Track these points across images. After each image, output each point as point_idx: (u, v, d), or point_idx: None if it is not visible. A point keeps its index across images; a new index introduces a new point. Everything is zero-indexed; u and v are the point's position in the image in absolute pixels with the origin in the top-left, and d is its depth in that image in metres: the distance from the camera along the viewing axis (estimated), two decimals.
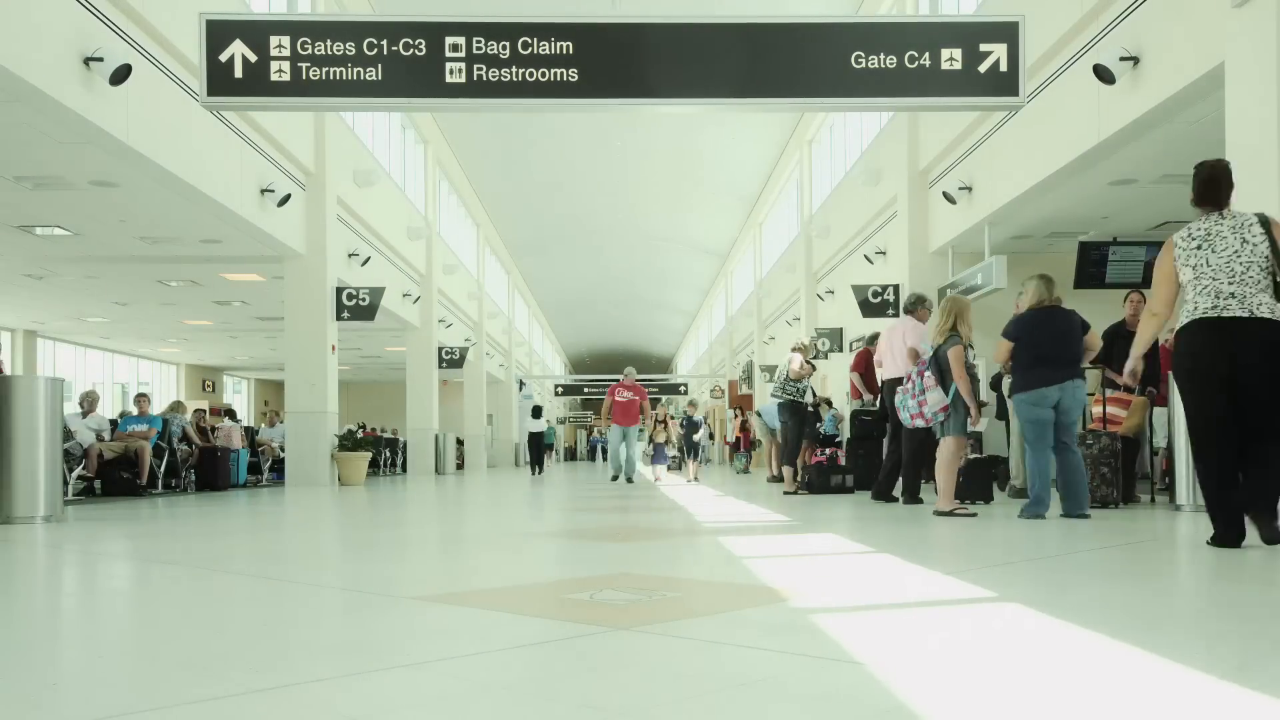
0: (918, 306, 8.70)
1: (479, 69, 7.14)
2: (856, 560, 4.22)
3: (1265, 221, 4.48)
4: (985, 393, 10.59)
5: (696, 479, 15.03)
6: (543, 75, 7.15)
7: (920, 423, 6.98)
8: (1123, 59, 8.04)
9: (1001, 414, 9.72)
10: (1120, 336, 7.47)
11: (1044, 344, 6.26)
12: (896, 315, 12.58)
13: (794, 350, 10.52)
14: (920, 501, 8.14)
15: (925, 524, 6.15)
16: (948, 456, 6.69)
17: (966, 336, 6.78)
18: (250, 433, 15.93)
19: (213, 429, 14.18)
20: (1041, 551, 4.44)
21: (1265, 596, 3.19)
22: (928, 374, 6.84)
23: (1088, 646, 2.24)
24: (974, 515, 6.50)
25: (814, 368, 11.20)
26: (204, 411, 14.65)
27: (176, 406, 13.21)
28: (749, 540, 5.24)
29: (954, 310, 6.84)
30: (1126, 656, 2.12)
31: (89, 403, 11.54)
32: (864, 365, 11.28)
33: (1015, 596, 3.03)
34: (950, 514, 6.49)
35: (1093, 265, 11.33)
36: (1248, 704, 1.74)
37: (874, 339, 11.93)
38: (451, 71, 7.14)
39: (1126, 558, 4.27)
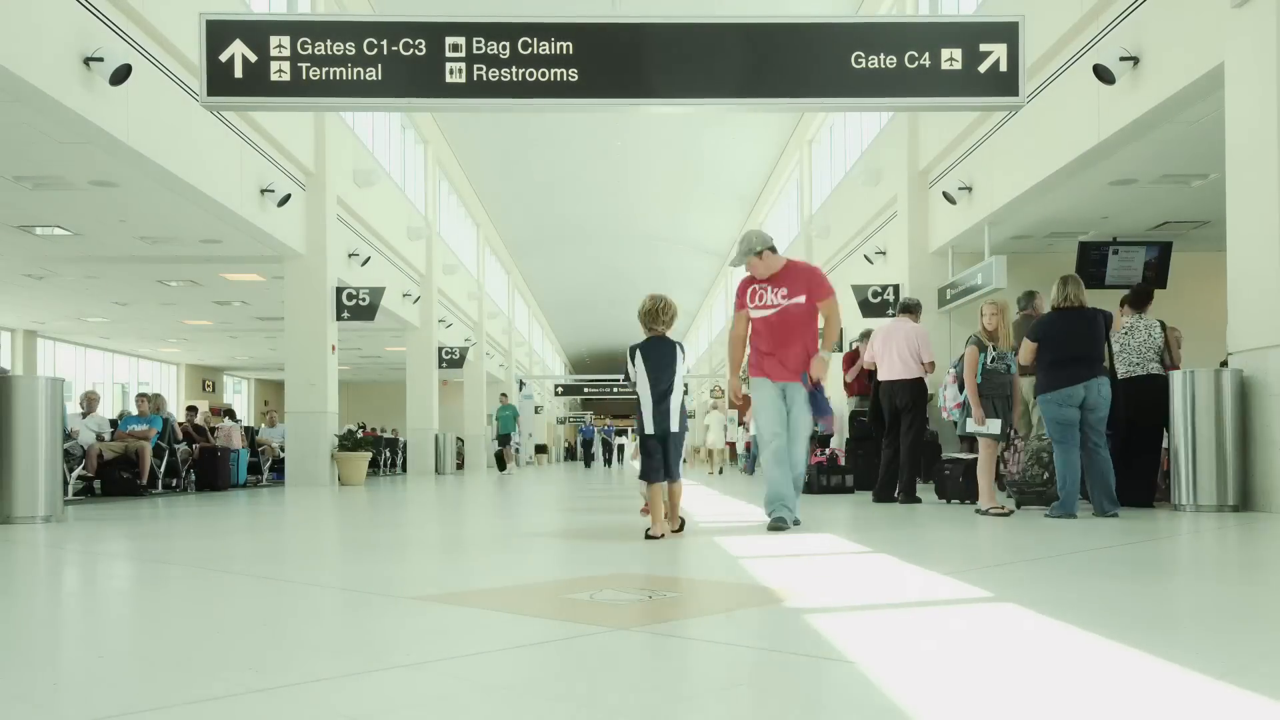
0: (915, 310, 8.72)
1: (479, 69, 7.14)
2: (855, 560, 4.22)
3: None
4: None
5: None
6: (543, 75, 7.16)
7: (944, 415, 7.27)
8: (1123, 59, 8.04)
9: None
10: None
11: (1067, 344, 6.31)
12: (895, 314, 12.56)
13: None
14: (918, 501, 8.14)
15: (923, 524, 6.15)
16: (983, 459, 6.77)
17: (982, 335, 6.83)
18: (250, 433, 15.93)
19: (212, 429, 14.18)
20: (1040, 552, 4.44)
21: (1264, 597, 3.19)
22: (953, 369, 7.00)
23: (1084, 647, 2.24)
24: (1008, 514, 6.50)
25: None
26: (197, 410, 14.66)
27: (158, 403, 13.01)
28: (748, 540, 5.24)
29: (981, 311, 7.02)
30: (1123, 657, 2.13)
31: (89, 403, 11.54)
32: (848, 367, 11.32)
33: (1012, 597, 3.04)
34: (986, 513, 6.52)
35: (1093, 265, 11.35)
36: (1244, 705, 1.74)
37: (866, 335, 11.95)
38: (451, 71, 7.15)
39: (1126, 558, 4.27)
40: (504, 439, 23.44)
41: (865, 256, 15.64)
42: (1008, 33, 7.23)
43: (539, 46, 7.15)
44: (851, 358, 11.42)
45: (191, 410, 15.05)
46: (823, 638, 2.36)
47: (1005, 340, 6.90)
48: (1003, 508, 6.58)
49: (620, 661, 2.19)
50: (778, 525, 5.48)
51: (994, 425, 6.71)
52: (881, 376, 8.59)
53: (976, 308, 12.25)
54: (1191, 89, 7.45)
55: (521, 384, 35.60)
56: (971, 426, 6.73)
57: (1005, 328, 6.95)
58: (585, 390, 46.28)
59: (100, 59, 8.11)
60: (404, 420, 21.51)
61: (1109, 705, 1.76)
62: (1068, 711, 1.73)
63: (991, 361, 6.80)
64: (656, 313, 5.38)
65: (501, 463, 23.41)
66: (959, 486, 8.08)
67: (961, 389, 6.85)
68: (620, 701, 1.82)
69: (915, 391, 8.32)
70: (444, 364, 21.51)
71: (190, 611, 3.10)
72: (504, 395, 25.26)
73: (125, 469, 11.19)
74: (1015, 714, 1.71)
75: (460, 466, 24.62)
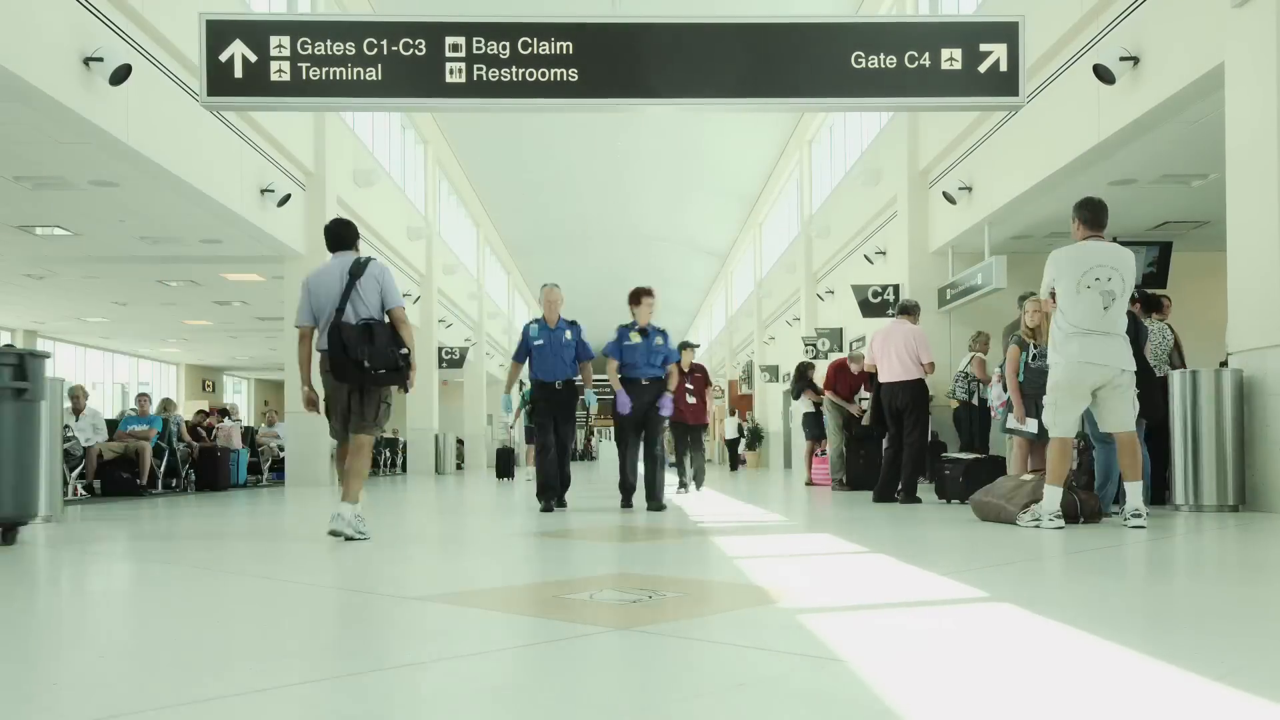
0: (914, 311, 8.71)
1: (479, 69, 7.14)
2: (853, 560, 4.22)
3: None
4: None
5: None
6: (543, 75, 7.16)
7: (995, 414, 7.29)
8: (1123, 59, 8.04)
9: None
10: None
11: None
12: (894, 315, 12.56)
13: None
14: (918, 501, 8.14)
15: (923, 524, 6.15)
16: (1014, 455, 6.81)
17: (1024, 333, 6.83)
18: (250, 432, 15.92)
19: (209, 429, 14.18)
20: (1038, 552, 4.44)
21: (1264, 596, 3.19)
22: (998, 369, 7.03)
23: (1080, 647, 2.24)
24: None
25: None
26: (204, 413, 14.66)
27: (167, 405, 13.03)
28: (748, 540, 5.25)
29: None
30: (1120, 657, 2.13)
31: (74, 401, 11.32)
32: (834, 376, 11.36)
33: (1009, 596, 3.04)
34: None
35: None
36: (1243, 706, 1.74)
37: (850, 359, 11.84)
38: (451, 71, 7.15)
39: (1125, 557, 4.27)
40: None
41: (865, 256, 15.64)
42: (1008, 33, 7.23)
43: (539, 46, 7.15)
44: (832, 372, 11.51)
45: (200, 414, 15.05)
46: (828, 638, 2.36)
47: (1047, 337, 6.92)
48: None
49: (620, 662, 2.19)
50: None
51: (1033, 425, 6.66)
52: (881, 378, 8.59)
53: (977, 307, 12.32)
54: (1191, 89, 7.45)
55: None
56: (1011, 424, 6.72)
57: (1048, 325, 6.97)
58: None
59: (100, 59, 8.10)
60: (404, 420, 21.50)
61: (1104, 706, 1.76)
62: (1062, 712, 1.72)
63: (1034, 360, 6.74)
64: None
65: (508, 466, 17.99)
66: (959, 486, 8.08)
67: (1005, 387, 6.85)
68: (620, 701, 1.82)
69: (915, 393, 8.32)
70: (444, 364, 21.48)
71: (190, 611, 3.10)
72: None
73: (125, 469, 11.19)
74: (1008, 714, 1.71)
75: (460, 466, 24.61)
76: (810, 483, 12.63)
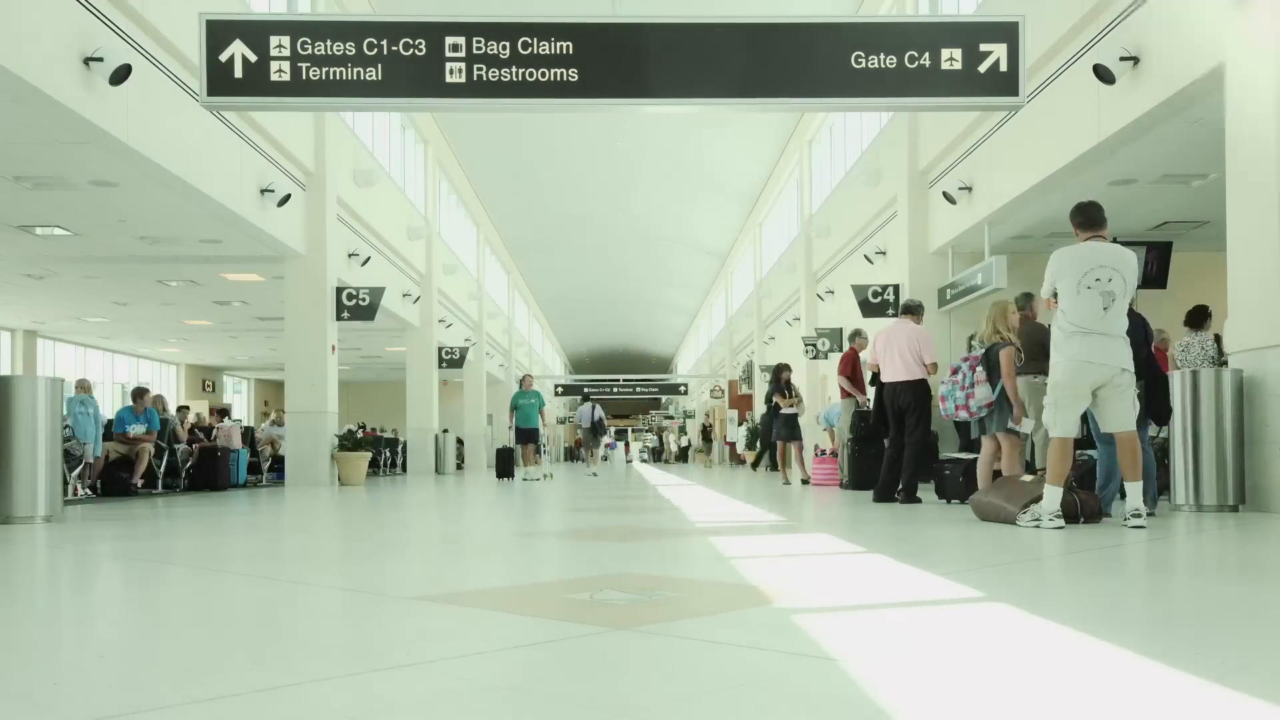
0: (917, 311, 8.71)
1: (479, 69, 7.14)
2: (852, 560, 4.22)
3: None
4: None
5: None
6: (543, 75, 7.16)
7: (964, 415, 7.15)
8: (1123, 59, 8.04)
9: None
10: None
11: None
12: (896, 315, 12.57)
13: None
14: (918, 501, 8.14)
15: (922, 524, 6.15)
16: (1007, 454, 6.80)
17: (1005, 337, 6.86)
18: (248, 432, 15.92)
19: (210, 429, 14.17)
20: (1039, 552, 4.44)
21: (1264, 596, 3.19)
22: (979, 369, 6.97)
23: (1076, 647, 2.24)
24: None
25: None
26: (188, 410, 14.65)
27: (157, 402, 12.90)
28: (747, 540, 5.25)
29: (994, 315, 7.01)
30: (1116, 657, 2.13)
31: (83, 389, 11.41)
32: (850, 367, 11.32)
33: (1006, 596, 3.03)
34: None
35: None
36: (1242, 706, 1.74)
37: (855, 335, 11.97)
38: (451, 71, 7.15)
39: (1125, 557, 4.27)
40: (528, 434, 16.65)
41: (865, 256, 15.64)
42: (1008, 32, 7.23)
43: (539, 46, 7.15)
44: (848, 360, 11.44)
45: (183, 409, 15.04)
46: (826, 639, 2.36)
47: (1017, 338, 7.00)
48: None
49: (620, 662, 2.19)
50: None
51: (1028, 425, 6.80)
52: (884, 378, 8.59)
53: (977, 307, 12.30)
54: (1191, 89, 7.45)
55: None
56: (1014, 426, 6.80)
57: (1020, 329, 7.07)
58: (585, 390, 46.29)
59: (100, 59, 8.10)
60: (404, 420, 21.51)
61: (1102, 706, 1.76)
62: (1059, 712, 1.72)
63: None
64: None
65: (508, 466, 17.90)
66: (959, 486, 8.08)
67: (993, 389, 6.87)
68: (619, 702, 1.83)
69: (917, 393, 8.31)
70: (444, 364, 21.49)
71: (190, 611, 3.10)
72: (528, 377, 17.75)
73: (125, 469, 11.19)
74: (1005, 714, 1.71)
75: (460, 467, 24.61)
76: (787, 481, 12.77)
